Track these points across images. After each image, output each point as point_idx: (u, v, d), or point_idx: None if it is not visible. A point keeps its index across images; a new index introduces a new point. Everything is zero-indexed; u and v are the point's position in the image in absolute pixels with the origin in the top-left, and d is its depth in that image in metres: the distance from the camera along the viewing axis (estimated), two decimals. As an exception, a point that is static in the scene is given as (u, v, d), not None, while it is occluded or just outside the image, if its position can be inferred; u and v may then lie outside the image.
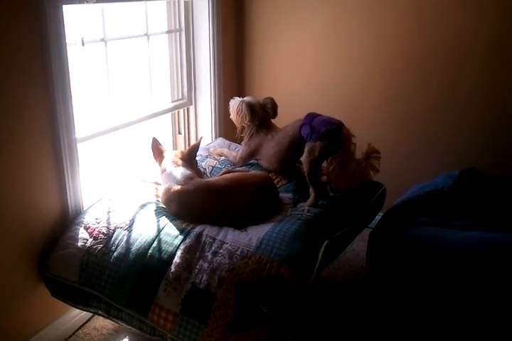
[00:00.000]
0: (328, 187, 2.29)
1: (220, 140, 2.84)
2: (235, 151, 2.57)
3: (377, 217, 2.49)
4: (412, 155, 3.01)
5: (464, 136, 2.86)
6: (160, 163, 2.21)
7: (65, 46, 2.00)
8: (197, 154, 2.31)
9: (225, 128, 3.09)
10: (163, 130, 2.99)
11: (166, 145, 2.62)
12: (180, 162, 2.17)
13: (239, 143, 2.66)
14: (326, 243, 1.91)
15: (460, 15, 2.69)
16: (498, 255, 2.20)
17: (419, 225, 2.36)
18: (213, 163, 2.51)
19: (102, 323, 2.27)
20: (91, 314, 2.26)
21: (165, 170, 2.15)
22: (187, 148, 2.49)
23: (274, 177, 2.38)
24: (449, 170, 2.73)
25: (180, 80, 2.99)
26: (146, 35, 2.66)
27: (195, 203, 2.04)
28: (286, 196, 2.26)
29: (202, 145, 2.39)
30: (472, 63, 2.74)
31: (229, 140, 2.83)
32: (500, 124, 2.78)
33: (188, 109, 3.05)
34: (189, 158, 2.21)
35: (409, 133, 2.98)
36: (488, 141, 2.82)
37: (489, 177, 2.63)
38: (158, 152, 2.25)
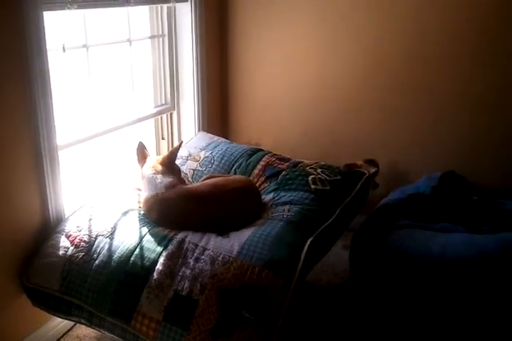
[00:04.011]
0: (310, 179, 2.29)
1: (202, 134, 2.83)
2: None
3: (361, 220, 2.52)
4: (393, 157, 3.01)
5: (447, 140, 2.88)
6: (142, 167, 2.20)
7: (46, 52, 1.99)
8: (178, 156, 2.29)
9: (209, 133, 3.08)
10: (146, 135, 2.98)
11: (150, 150, 2.61)
12: (160, 168, 2.16)
13: (224, 137, 2.63)
14: (309, 241, 1.92)
15: (447, 5, 2.69)
16: (478, 257, 2.23)
17: (401, 228, 2.38)
18: (194, 165, 2.50)
19: (85, 331, 2.25)
20: (73, 322, 2.24)
21: (145, 176, 2.14)
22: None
23: (255, 180, 2.39)
24: (431, 172, 2.77)
25: (163, 85, 2.98)
26: (128, 40, 2.65)
27: (176, 211, 2.04)
28: (268, 198, 2.27)
29: (184, 142, 2.36)
30: (462, 66, 2.76)
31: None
32: (483, 128, 2.81)
33: (171, 114, 3.05)
34: (169, 163, 2.20)
35: (390, 137, 2.99)
36: (469, 145, 2.84)
37: (466, 180, 2.66)
38: (142, 156, 2.24)
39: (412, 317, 2.32)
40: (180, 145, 2.29)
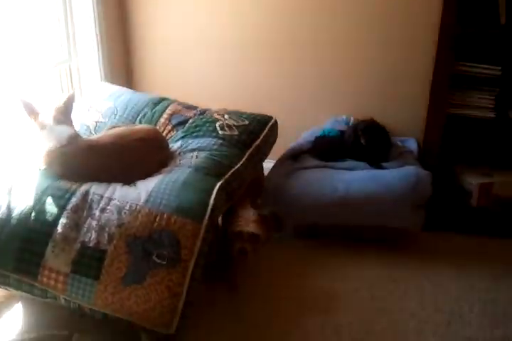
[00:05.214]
0: (218, 125, 2.29)
1: (103, 85, 2.70)
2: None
3: (270, 165, 2.56)
4: (298, 102, 3.02)
5: (348, 83, 2.94)
6: (36, 119, 2.00)
7: None
8: (79, 108, 2.17)
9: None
10: (45, 90, 2.81)
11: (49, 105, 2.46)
12: (59, 118, 2.00)
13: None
14: (218, 185, 1.93)
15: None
16: (383, 190, 2.36)
17: (309, 168, 2.47)
18: (96, 117, 2.40)
19: (-9, 292, 2.17)
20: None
21: (45, 128, 1.98)
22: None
23: (162, 129, 2.35)
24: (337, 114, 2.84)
25: (59, 37, 2.80)
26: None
27: (80, 164, 1.96)
28: (176, 146, 2.24)
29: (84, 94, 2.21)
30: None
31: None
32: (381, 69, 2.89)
33: (69, 66, 2.88)
34: (67, 113, 2.05)
35: (297, 80, 3.00)
36: (371, 88, 2.91)
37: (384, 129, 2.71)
38: (29, 107, 2.00)
39: (326, 253, 2.44)
40: (74, 93, 2.11)
